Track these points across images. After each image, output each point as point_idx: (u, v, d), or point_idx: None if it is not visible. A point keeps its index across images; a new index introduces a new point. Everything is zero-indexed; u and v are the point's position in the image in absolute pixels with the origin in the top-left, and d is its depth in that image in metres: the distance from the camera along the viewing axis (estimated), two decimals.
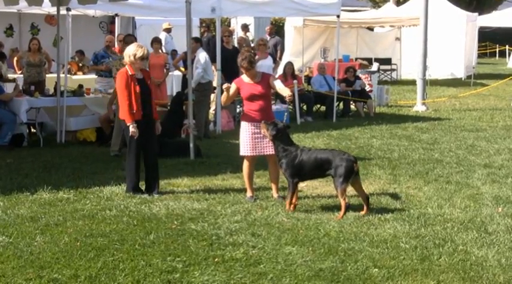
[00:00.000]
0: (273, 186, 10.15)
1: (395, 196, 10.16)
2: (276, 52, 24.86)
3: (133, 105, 9.89)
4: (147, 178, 10.28)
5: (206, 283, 6.67)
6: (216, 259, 7.29)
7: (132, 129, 9.86)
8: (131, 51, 9.96)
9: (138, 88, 9.92)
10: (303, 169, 9.34)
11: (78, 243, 7.78)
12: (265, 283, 6.72)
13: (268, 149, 9.89)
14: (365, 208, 9.21)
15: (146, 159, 10.22)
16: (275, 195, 10.04)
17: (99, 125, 14.95)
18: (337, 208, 9.31)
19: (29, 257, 7.29)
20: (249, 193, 10.02)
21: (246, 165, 10.06)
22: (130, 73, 9.95)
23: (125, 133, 10.18)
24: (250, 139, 9.90)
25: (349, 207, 9.12)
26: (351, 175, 9.10)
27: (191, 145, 12.84)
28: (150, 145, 10.18)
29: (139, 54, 9.91)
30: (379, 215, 9.04)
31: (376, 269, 7.06)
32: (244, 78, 10.02)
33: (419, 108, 21.48)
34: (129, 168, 10.13)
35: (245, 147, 9.96)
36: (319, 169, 9.32)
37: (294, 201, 9.43)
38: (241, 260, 7.28)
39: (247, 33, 27.53)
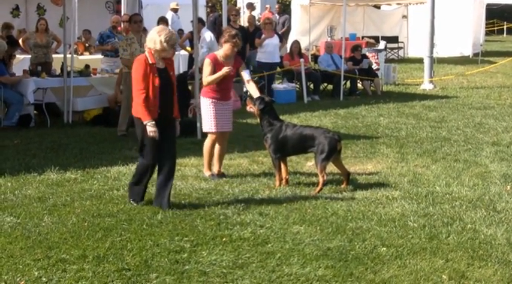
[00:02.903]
0: (217, 163, 10.08)
1: (403, 175, 10.14)
2: (287, 30, 24.78)
3: (149, 100, 8.21)
4: (158, 185, 8.52)
5: (214, 263, 6.67)
6: (224, 239, 7.29)
7: (150, 128, 8.11)
8: (159, 36, 8.21)
9: (157, 81, 8.25)
10: (287, 145, 9.46)
11: (86, 223, 7.79)
12: (273, 262, 6.71)
13: (229, 126, 9.95)
14: (344, 182, 9.47)
15: (160, 164, 8.48)
16: (215, 171, 10.04)
17: (106, 105, 14.98)
18: (346, 187, 9.33)
19: (37, 238, 7.30)
20: (207, 172, 10.01)
21: (209, 142, 9.96)
22: (150, 61, 8.28)
23: (137, 134, 8.44)
24: (214, 116, 9.81)
25: (326, 184, 9.24)
26: (333, 153, 9.27)
27: (198, 124, 12.81)
28: (166, 149, 8.42)
29: (167, 37, 8.21)
30: (387, 194, 9.04)
31: (384, 248, 7.05)
32: (219, 57, 9.80)
33: (426, 86, 21.40)
34: (139, 178, 8.55)
35: (209, 124, 9.86)
36: (302, 145, 9.45)
37: (285, 175, 9.57)
38: (249, 240, 7.28)
39: (252, 12, 27.41)
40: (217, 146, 10.00)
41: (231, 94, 10.16)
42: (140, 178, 8.53)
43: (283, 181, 9.54)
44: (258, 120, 9.74)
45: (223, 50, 9.79)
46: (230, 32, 9.78)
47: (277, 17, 26.54)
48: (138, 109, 8.23)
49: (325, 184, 9.20)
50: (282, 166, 9.58)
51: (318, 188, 9.17)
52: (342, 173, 9.62)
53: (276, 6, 29.14)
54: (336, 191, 9.24)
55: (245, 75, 10.01)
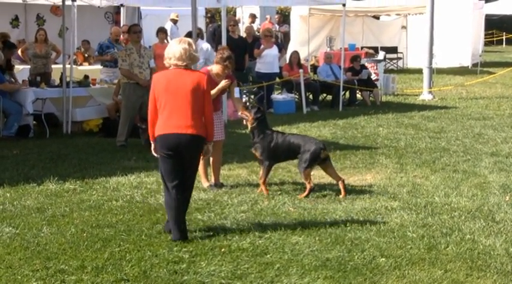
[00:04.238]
0: (213, 173, 10.10)
1: (402, 185, 10.14)
2: (287, 41, 24.76)
3: None
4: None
5: (213, 273, 6.67)
6: (223, 249, 7.29)
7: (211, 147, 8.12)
8: (193, 47, 7.75)
9: None
10: (277, 152, 9.73)
11: (85, 234, 7.78)
12: (272, 272, 6.71)
13: (220, 135, 9.94)
14: (342, 191, 9.59)
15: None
16: (212, 182, 10.06)
17: (105, 115, 14.97)
18: (344, 197, 9.35)
19: (36, 249, 7.30)
20: (205, 183, 10.03)
21: None
22: None
23: (196, 155, 7.79)
24: None
25: (313, 190, 9.52)
26: (316, 161, 9.58)
27: None
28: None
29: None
30: (386, 205, 9.03)
31: (383, 259, 7.05)
32: (211, 74, 9.73)
33: (425, 96, 21.41)
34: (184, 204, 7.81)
35: None
36: (291, 152, 9.77)
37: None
38: (247, 250, 7.28)
39: (252, 23, 27.44)
40: (213, 157, 10.00)
41: (219, 105, 10.18)
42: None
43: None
44: (249, 128, 9.84)
45: (214, 69, 9.81)
46: (222, 54, 9.73)
47: (277, 27, 26.56)
48: (211, 127, 7.83)
49: (312, 189, 9.48)
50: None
51: (305, 193, 9.46)
52: (337, 181, 9.77)
53: (276, 16, 29.19)
54: (335, 201, 9.24)
55: (235, 92, 10.14)
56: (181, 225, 7.60)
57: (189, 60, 7.64)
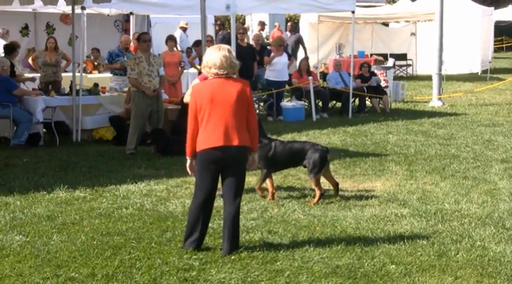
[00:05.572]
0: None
1: (412, 192, 10.12)
2: (297, 48, 24.74)
3: None
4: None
5: (223, 281, 6.67)
6: (233, 257, 7.28)
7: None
8: (232, 54, 7.49)
9: None
10: (277, 160, 9.79)
11: (95, 242, 7.80)
12: (282, 280, 6.70)
13: None
14: (334, 192, 9.85)
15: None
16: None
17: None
18: (354, 204, 9.36)
19: (46, 256, 7.31)
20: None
21: None
22: None
23: (243, 173, 7.62)
24: None
25: (323, 195, 9.57)
26: (324, 165, 9.63)
27: None
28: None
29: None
30: (396, 212, 9.02)
31: (393, 266, 7.04)
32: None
33: (435, 103, 21.39)
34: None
35: None
36: (293, 159, 9.86)
37: (271, 190, 9.77)
38: (257, 258, 7.27)
39: (261, 31, 27.44)
40: None
41: None
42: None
43: (271, 195, 9.76)
44: None
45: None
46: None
47: (288, 34, 26.54)
48: (256, 137, 7.67)
49: (322, 195, 9.52)
50: (268, 180, 9.81)
51: (316, 199, 9.50)
52: (333, 185, 9.91)
53: (289, 24, 29.24)
54: (345, 208, 9.23)
55: None
56: (199, 235, 7.49)
57: (230, 68, 7.35)
